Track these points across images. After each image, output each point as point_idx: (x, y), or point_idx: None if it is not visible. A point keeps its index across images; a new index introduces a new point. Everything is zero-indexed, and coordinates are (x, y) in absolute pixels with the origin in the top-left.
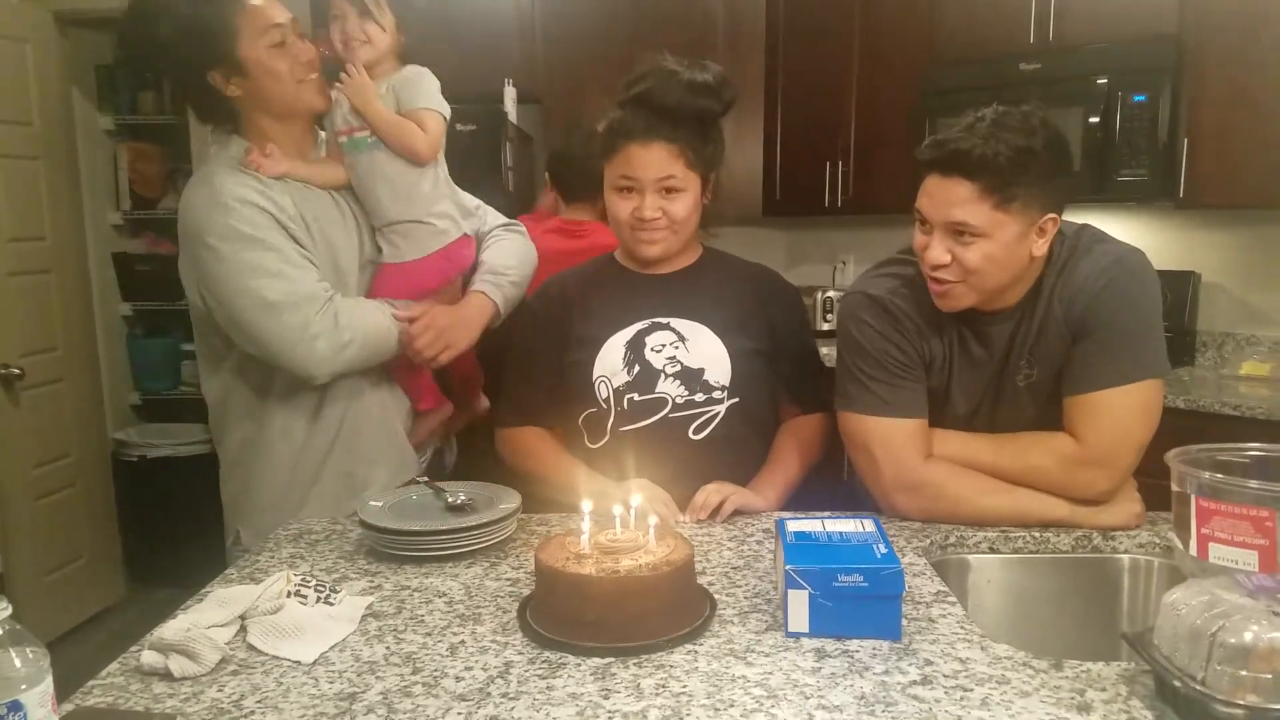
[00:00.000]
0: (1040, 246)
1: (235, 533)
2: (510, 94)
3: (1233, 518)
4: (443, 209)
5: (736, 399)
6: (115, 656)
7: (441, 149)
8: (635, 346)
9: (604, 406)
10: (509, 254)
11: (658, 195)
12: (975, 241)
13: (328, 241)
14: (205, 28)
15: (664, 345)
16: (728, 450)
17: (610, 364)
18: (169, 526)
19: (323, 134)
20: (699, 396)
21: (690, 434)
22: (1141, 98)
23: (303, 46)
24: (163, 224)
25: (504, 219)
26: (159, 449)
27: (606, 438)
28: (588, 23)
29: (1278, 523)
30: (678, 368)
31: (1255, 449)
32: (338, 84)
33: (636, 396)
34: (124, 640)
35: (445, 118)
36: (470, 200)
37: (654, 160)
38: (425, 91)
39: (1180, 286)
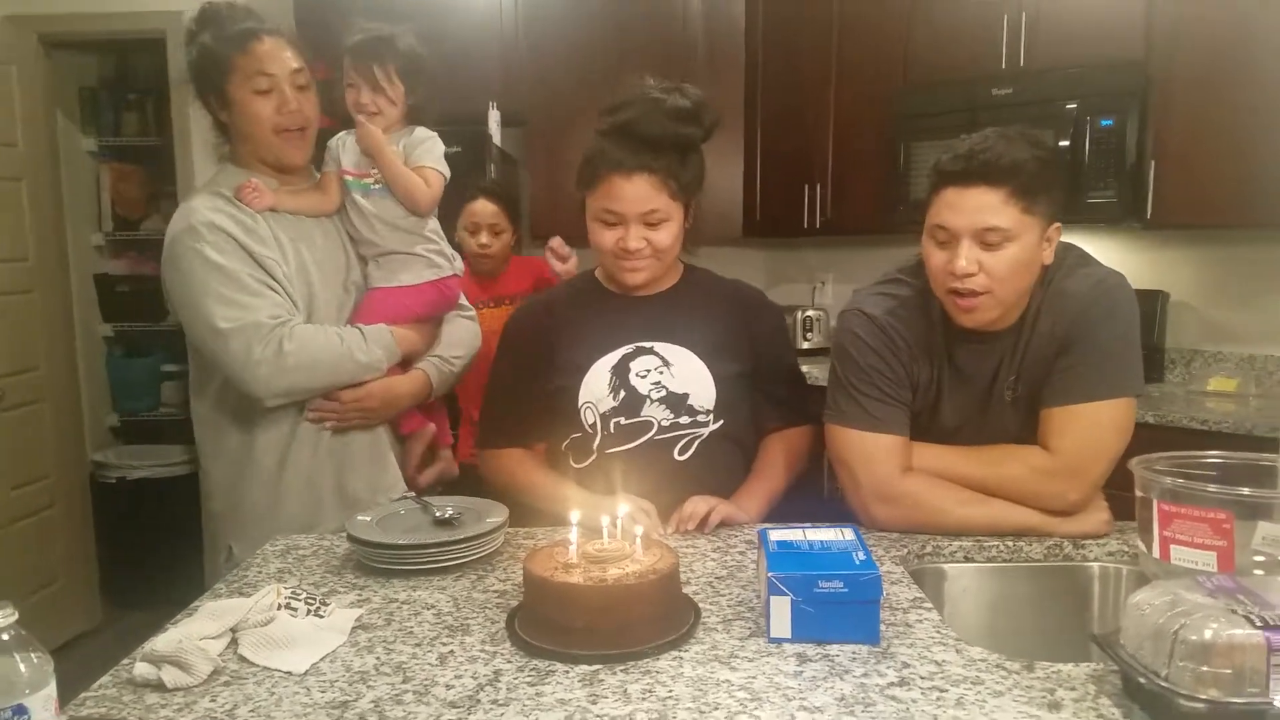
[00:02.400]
0: (1049, 255)
1: (227, 549)
2: (495, 116)
3: (1192, 520)
4: (436, 247)
5: (721, 421)
6: (91, 682)
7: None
8: (620, 372)
9: (590, 431)
10: (461, 340)
11: (641, 226)
12: (1004, 246)
13: (302, 263)
14: (210, 57)
15: (649, 370)
16: (710, 468)
17: (596, 390)
18: (147, 549)
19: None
20: (684, 419)
21: (675, 455)
22: (1109, 121)
23: (299, 102)
24: (144, 245)
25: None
26: (138, 471)
27: (593, 457)
28: (572, 47)
29: (1234, 525)
30: (663, 393)
31: (1215, 456)
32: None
33: (623, 420)
34: (100, 665)
35: (446, 179)
36: (451, 249)
37: (637, 194)
38: (432, 153)
39: (1149, 305)
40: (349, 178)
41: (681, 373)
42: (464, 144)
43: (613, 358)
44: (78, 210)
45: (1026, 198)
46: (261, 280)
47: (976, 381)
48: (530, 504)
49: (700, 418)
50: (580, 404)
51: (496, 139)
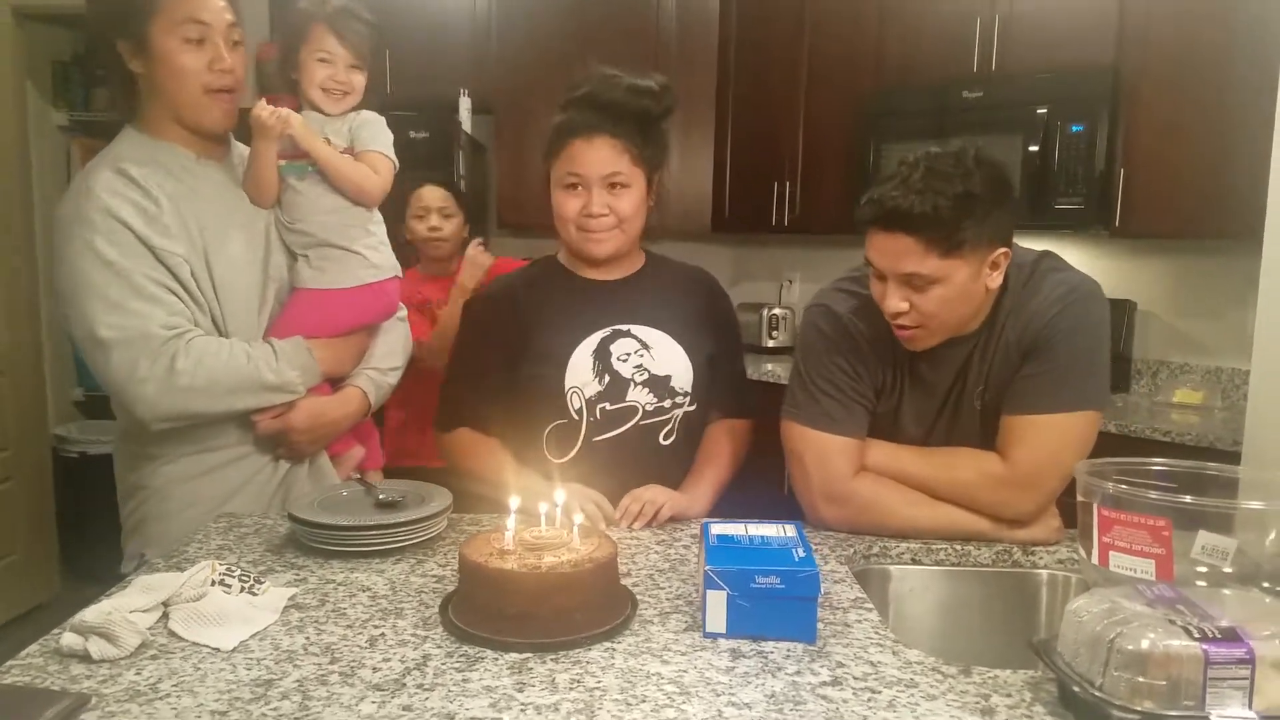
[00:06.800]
0: (995, 279)
1: (139, 557)
2: (465, 103)
3: (1132, 527)
4: (376, 242)
5: (694, 405)
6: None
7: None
8: (602, 355)
9: (575, 418)
10: (395, 349)
11: (604, 191)
12: (930, 288)
13: (214, 252)
14: None
15: (629, 354)
16: (686, 453)
17: (581, 375)
18: (107, 524)
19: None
20: (666, 403)
21: (660, 439)
22: (1079, 127)
23: (229, 60)
24: None
25: None
26: (100, 446)
27: (578, 448)
28: (542, 36)
29: (1174, 533)
30: (646, 375)
31: (1159, 464)
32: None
33: (609, 406)
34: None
35: (396, 167)
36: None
37: (599, 156)
38: (381, 138)
39: (1116, 314)
40: (281, 161)
41: (661, 355)
42: (433, 130)
43: (592, 341)
44: (46, 184)
45: (947, 241)
46: (159, 281)
47: (937, 387)
48: (479, 481)
49: (678, 400)
50: (566, 389)
51: (467, 126)
